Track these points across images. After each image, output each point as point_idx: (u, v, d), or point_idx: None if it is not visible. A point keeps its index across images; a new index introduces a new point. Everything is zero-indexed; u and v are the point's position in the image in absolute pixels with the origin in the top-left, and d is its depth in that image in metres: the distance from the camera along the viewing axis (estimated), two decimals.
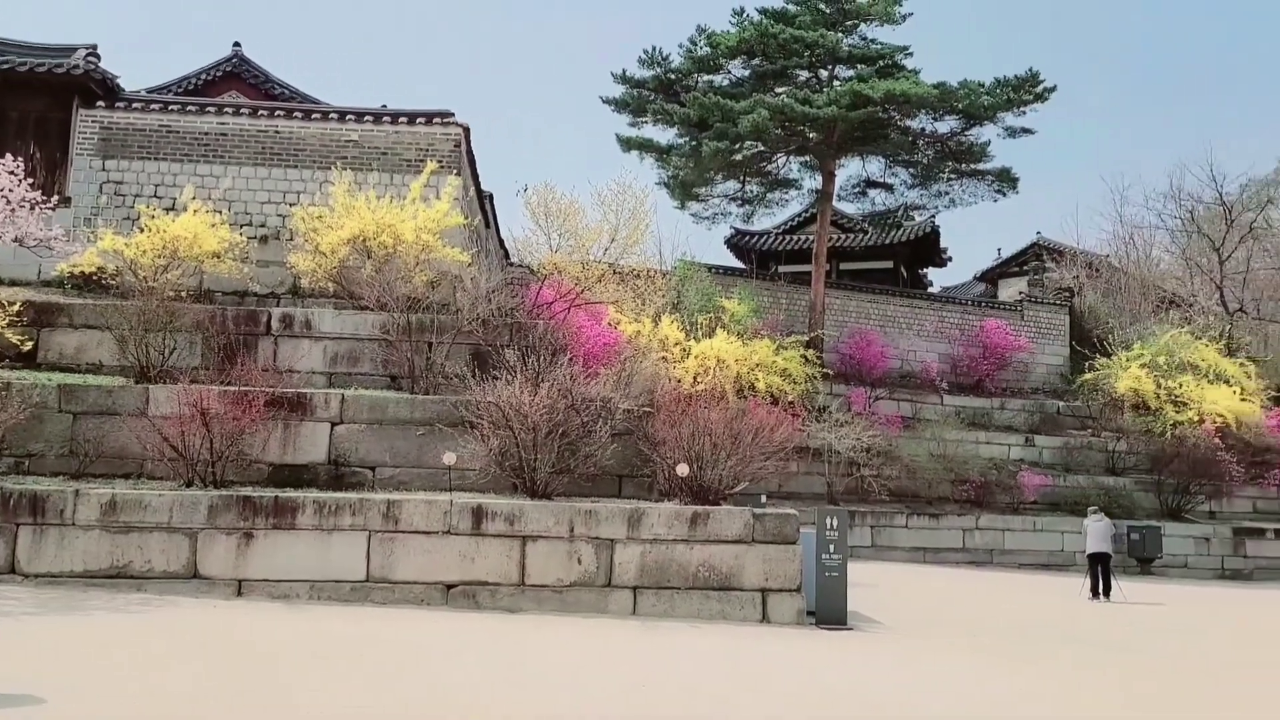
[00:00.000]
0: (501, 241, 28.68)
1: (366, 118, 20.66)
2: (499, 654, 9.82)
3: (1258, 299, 37.24)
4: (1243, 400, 29.80)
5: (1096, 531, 20.03)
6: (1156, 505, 28.86)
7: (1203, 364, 30.63)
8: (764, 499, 18.00)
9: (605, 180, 23.23)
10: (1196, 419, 29.02)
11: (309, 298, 18.71)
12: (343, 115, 20.75)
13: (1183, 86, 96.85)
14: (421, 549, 12.58)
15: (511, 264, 27.05)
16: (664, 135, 32.57)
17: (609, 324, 25.30)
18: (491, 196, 27.67)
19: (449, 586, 12.53)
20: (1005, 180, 32.04)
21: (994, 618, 15.65)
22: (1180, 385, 29.85)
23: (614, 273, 23.63)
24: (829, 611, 12.97)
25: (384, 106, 21.95)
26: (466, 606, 12.29)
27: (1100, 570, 19.69)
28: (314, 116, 20.89)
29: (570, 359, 16.22)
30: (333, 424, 14.87)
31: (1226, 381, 30.29)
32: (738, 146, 30.21)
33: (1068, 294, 36.83)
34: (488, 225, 26.87)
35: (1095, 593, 19.44)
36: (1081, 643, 13.28)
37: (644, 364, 23.12)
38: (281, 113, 21.11)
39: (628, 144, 32.17)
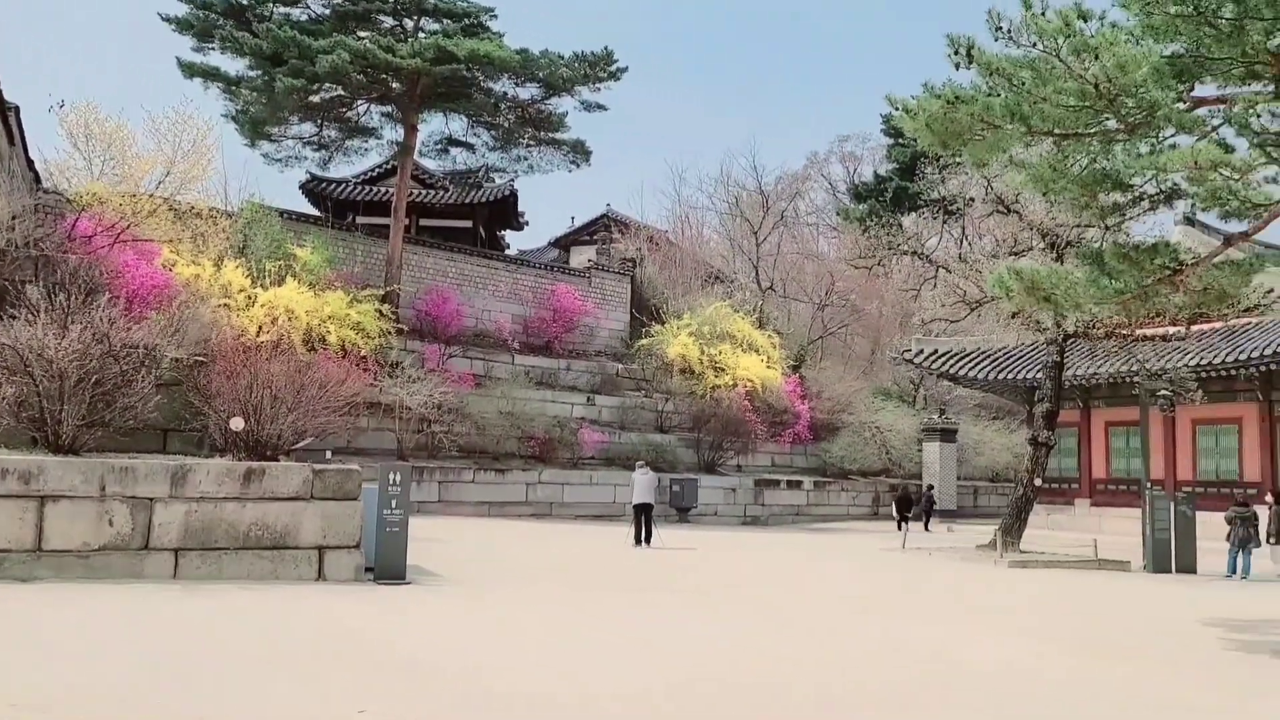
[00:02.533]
0: (31, 163, 24.97)
1: None
2: None
3: (785, 279, 42.46)
4: (768, 368, 33.89)
5: (642, 484, 21.69)
6: (696, 460, 32.08)
7: (739, 334, 34.37)
8: (329, 455, 17.49)
9: (163, 107, 20.99)
10: (731, 383, 32.57)
11: None
12: None
13: (740, 81, 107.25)
14: None
15: (43, 190, 23.68)
16: (234, 65, 30.22)
17: (163, 265, 23.12)
18: (17, 109, 23.94)
19: None
20: (580, 152, 33.58)
21: (547, 566, 16.52)
22: (720, 353, 33.31)
23: (170, 209, 21.61)
24: (388, 567, 12.93)
25: None
26: None
27: (644, 519, 21.39)
28: None
29: (111, 300, 14.59)
30: None
31: (756, 351, 34.25)
32: (315, 87, 28.79)
33: (631, 264, 39.50)
34: (11, 142, 23.25)
35: (638, 540, 21.10)
36: (622, 588, 14.45)
37: (201, 310, 21.45)
38: None
39: (190, 70, 29.40)
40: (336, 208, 36.37)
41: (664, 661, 8.83)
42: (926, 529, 29.85)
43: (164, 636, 8.75)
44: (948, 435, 35.81)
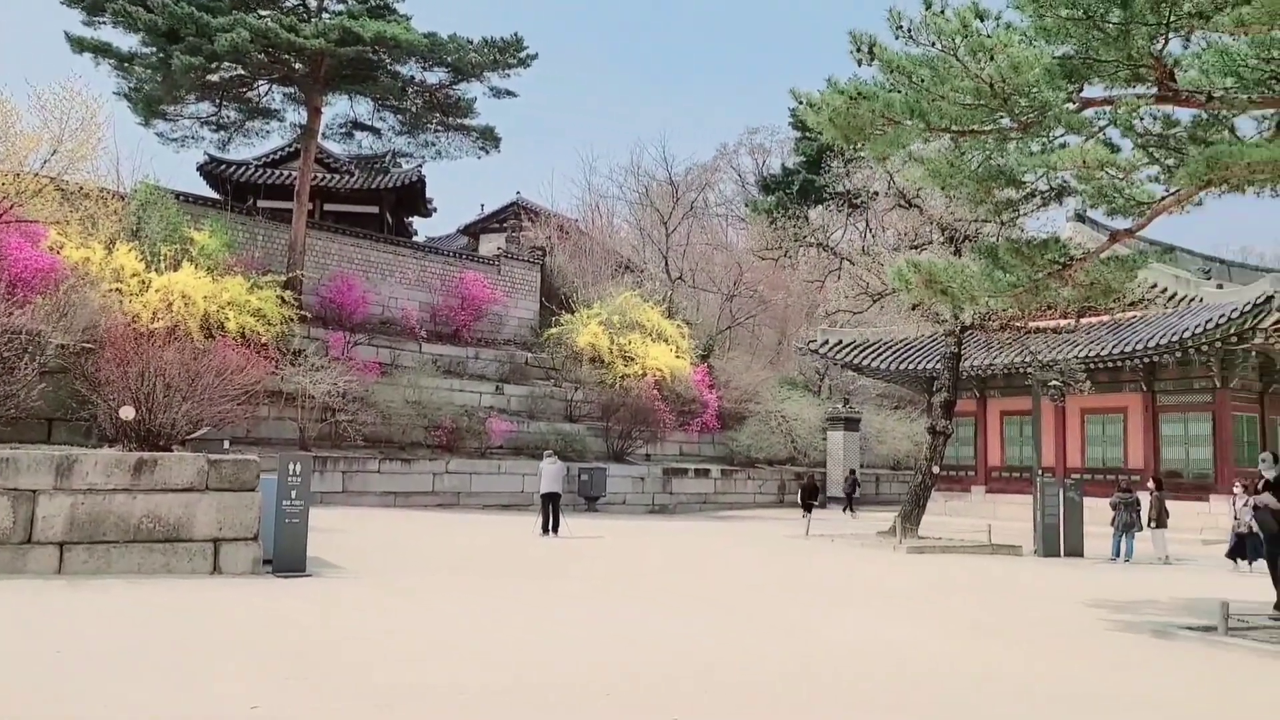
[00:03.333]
0: None
1: None
2: None
3: (694, 269, 42.75)
4: (677, 357, 34.14)
5: (550, 473, 21.63)
6: (604, 449, 32.14)
7: (648, 324, 34.53)
8: (227, 445, 17.06)
9: (50, 83, 20.04)
10: (640, 373, 32.72)
11: None
12: None
13: (652, 71, 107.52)
14: None
15: None
16: (127, 41, 29.07)
17: (50, 248, 22.19)
18: None
19: None
20: (489, 138, 33.23)
21: (451, 556, 16.37)
22: (629, 342, 33.43)
23: (57, 189, 20.72)
24: (287, 559, 12.65)
25: None
26: None
27: (551, 508, 21.35)
28: None
29: None
30: None
31: (665, 340, 34.46)
32: (214, 66, 27.88)
33: (541, 252, 39.33)
34: None
35: (546, 529, 21.06)
36: (526, 576, 14.41)
37: (90, 295, 20.67)
38: None
39: (80, 45, 28.19)
40: (236, 191, 35.32)
41: (556, 651, 8.84)
42: (851, 513, 30.90)
43: (40, 634, 8.42)
44: (851, 424, 36.58)
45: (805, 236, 29.88)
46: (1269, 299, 22.04)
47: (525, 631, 9.73)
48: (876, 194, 24.74)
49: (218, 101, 30.98)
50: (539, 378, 34.17)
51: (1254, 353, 24.93)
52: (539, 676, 7.73)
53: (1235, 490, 18.96)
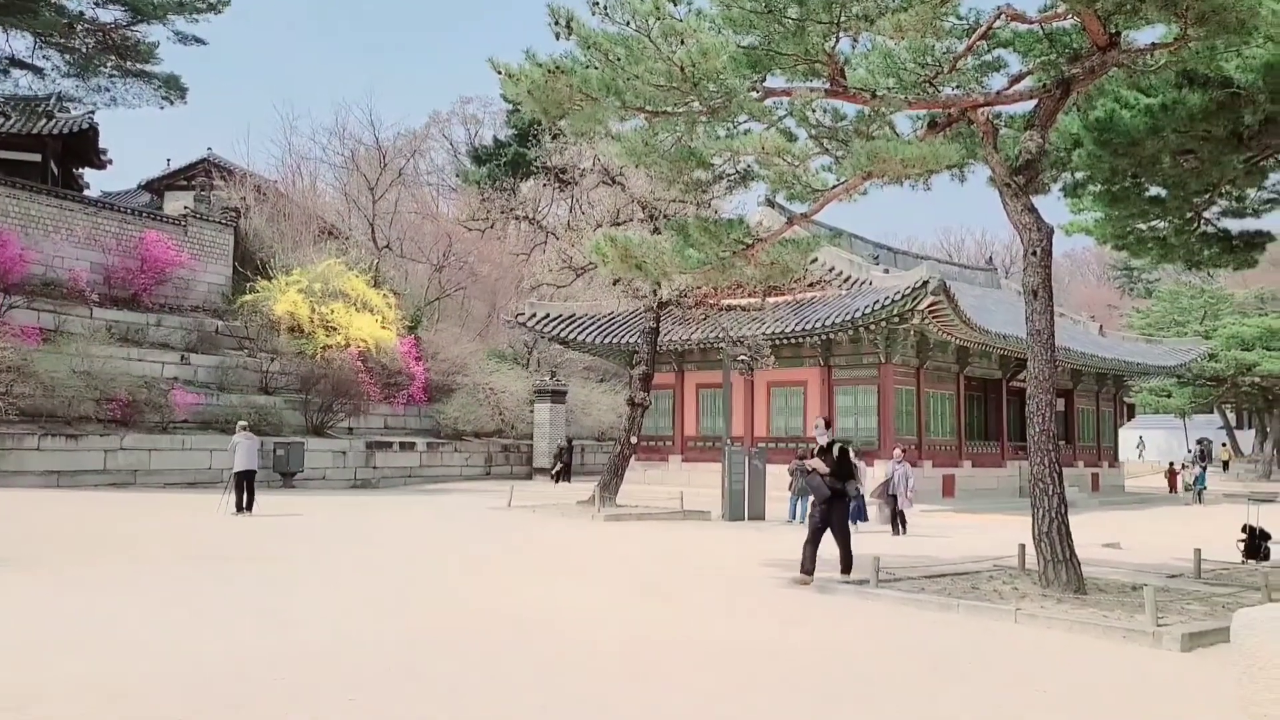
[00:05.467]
0: None
1: None
2: None
3: (402, 238, 41.71)
4: (383, 328, 33.19)
5: (244, 449, 20.47)
6: (303, 422, 30.75)
7: (353, 293, 33.29)
8: None
9: None
10: (344, 343, 31.53)
11: None
12: None
13: (360, 31, 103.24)
14: None
15: None
16: None
17: None
18: None
19: None
20: (173, 87, 30.75)
21: (115, 540, 15.07)
22: (332, 311, 32.10)
23: None
24: None
25: None
26: None
27: (246, 486, 20.24)
28: None
29: None
30: None
31: (371, 310, 33.38)
32: None
33: (235, 214, 36.81)
34: None
35: (239, 508, 19.94)
36: (212, 558, 13.54)
37: None
38: None
39: None
40: None
41: (207, 643, 8.39)
42: (569, 482, 31.99)
43: None
44: (558, 396, 37.19)
45: (514, 209, 29.88)
46: (925, 284, 24.57)
47: (181, 625, 9.13)
48: (584, 171, 25.16)
49: None
50: (231, 347, 32.10)
51: (913, 332, 27.76)
52: (172, 670, 7.28)
53: (895, 455, 21.01)
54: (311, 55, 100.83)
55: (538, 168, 32.30)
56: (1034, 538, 11.44)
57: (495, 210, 30.89)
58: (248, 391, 30.56)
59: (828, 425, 13.01)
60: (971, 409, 32.56)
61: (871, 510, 20.57)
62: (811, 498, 12.81)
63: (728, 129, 11.70)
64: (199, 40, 29.83)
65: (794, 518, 21.40)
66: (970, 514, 24.70)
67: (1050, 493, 11.33)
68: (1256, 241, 16.47)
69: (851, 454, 12.87)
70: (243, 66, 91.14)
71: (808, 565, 11.94)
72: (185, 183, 41.78)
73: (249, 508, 19.95)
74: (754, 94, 11.43)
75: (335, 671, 7.14)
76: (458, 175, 51.45)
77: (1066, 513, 11.37)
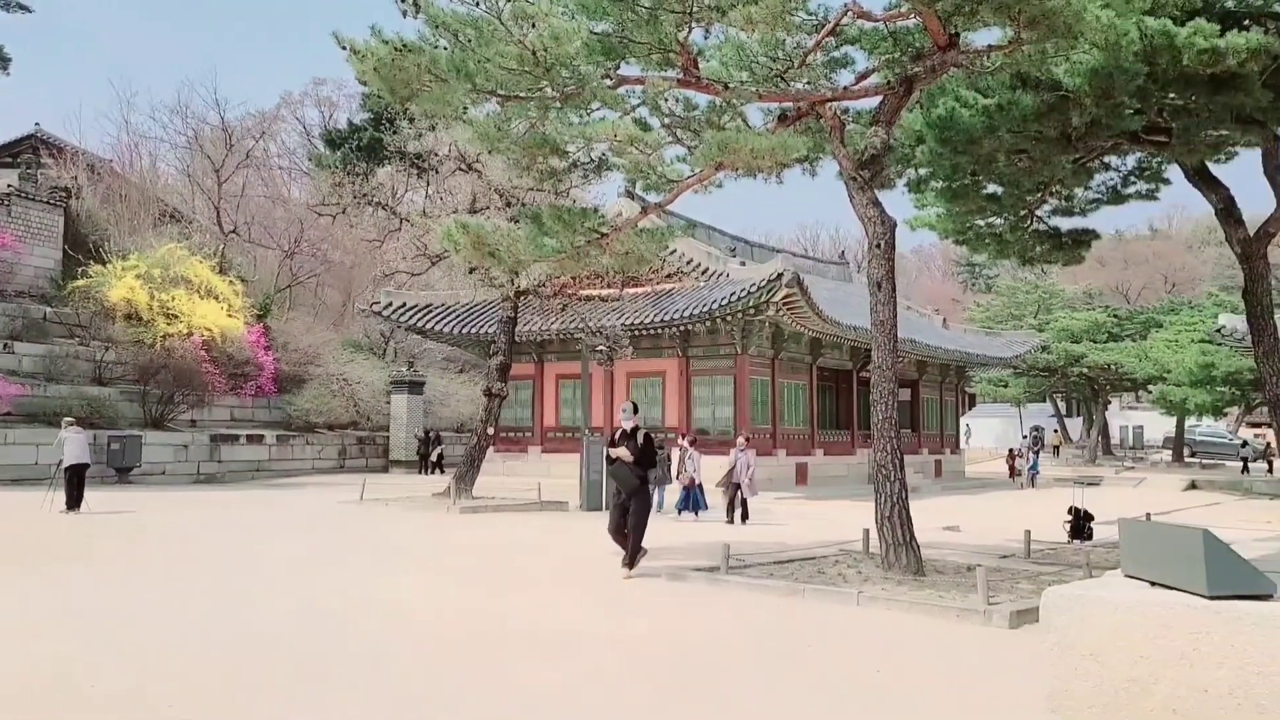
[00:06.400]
0: None
1: None
2: None
3: (251, 223, 40.03)
4: (230, 316, 31.75)
5: (74, 443, 19.30)
6: (141, 415, 29.21)
7: (196, 280, 31.71)
8: None
9: None
10: (186, 332, 30.02)
11: None
12: None
13: (203, 5, 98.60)
14: None
15: None
16: None
17: None
18: None
19: None
20: None
21: None
22: (173, 299, 30.51)
23: None
24: None
25: None
26: None
27: (77, 481, 19.08)
28: None
29: None
30: None
31: (217, 298, 31.89)
32: None
33: (65, 194, 34.56)
34: None
35: (70, 505, 18.80)
36: (39, 559, 12.69)
37: None
38: None
39: None
40: None
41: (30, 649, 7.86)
42: (442, 472, 32.01)
43: None
44: (415, 387, 36.45)
45: (368, 195, 29.03)
46: (779, 276, 25.06)
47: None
48: (440, 157, 24.63)
49: None
50: (61, 336, 30.18)
51: (768, 323, 28.30)
52: None
53: (739, 444, 21.33)
54: (151, 29, 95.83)
55: (394, 153, 31.47)
56: (877, 523, 11.80)
57: (349, 195, 29.95)
58: (79, 382, 28.81)
59: (636, 409, 12.57)
60: (824, 399, 33.47)
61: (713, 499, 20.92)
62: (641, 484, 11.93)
63: (581, 116, 11.60)
64: (24, 7, 27.84)
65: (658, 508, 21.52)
66: (822, 501, 25.36)
67: (892, 479, 11.70)
68: (1083, 239, 17.46)
69: (655, 440, 12.60)
70: (75, 39, 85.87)
71: (628, 558, 11.85)
72: (10, 160, 38.94)
73: (78, 505, 18.82)
74: (607, 81, 11.35)
75: (162, 675, 6.74)
76: (310, 159, 49.63)
77: (907, 498, 11.77)
